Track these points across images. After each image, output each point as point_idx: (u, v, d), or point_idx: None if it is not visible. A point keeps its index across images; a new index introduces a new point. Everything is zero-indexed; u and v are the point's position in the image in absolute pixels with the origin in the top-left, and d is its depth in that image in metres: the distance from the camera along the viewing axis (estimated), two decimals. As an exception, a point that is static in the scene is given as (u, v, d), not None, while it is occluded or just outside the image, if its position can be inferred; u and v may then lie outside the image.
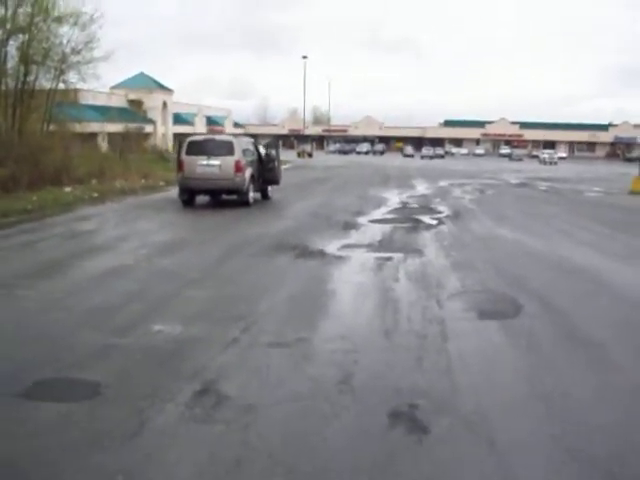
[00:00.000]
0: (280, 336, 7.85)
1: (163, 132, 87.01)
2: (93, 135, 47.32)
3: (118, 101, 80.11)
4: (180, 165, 22.67)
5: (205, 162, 22.15)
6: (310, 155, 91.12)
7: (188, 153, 22.61)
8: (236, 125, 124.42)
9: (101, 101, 65.89)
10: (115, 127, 53.77)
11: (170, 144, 72.38)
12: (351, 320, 8.70)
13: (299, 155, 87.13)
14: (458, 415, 5.63)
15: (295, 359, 7.09)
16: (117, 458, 4.89)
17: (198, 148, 22.74)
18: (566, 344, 7.80)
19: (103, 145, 49.39)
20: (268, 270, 11.98)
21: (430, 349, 7.42)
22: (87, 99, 50.95)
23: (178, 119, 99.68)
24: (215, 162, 22.08)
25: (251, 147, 24.39)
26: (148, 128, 75.28)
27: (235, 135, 25.95)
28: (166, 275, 11.39)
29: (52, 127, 32.90)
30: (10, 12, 28.96)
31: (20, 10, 29.36)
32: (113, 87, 73.90)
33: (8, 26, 28.96)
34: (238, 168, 22.02)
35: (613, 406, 5.99)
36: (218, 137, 26.09)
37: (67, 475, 4.65)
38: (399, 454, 4.97)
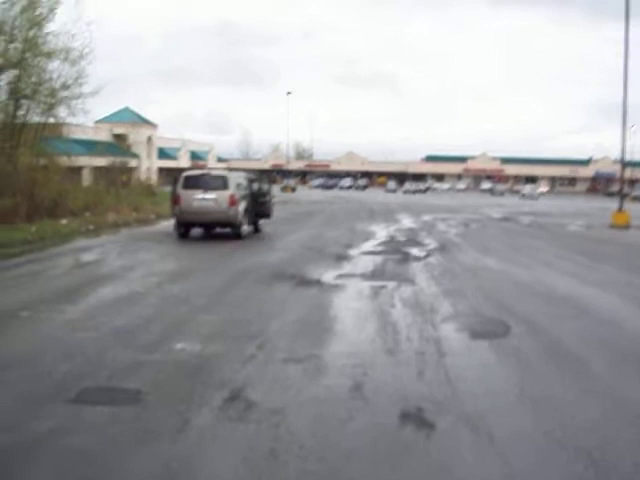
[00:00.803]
0: (293, 353, 8.68)
1: (148, 166, 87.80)
2: (78, 169, 47.93)
3: (103, 135, 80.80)
4: (177, 199, 23.48)
5: (201, 196, 23.01)
6: (293, 190, 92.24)
7: (185, 187, 23.46)
8: (219, 160, 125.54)
9: (87, 135, 66.66)
10: (100, 161, 54.57)
11: (155, 178, 73.02)
12: (355, 340, 9.53)
13: (283, 190, 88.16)
14: (459, 415, 6.47)
15: (309, 372, 7.91)
16: (167, 449, 5.68)
17: (194, 182, 23.63)
18: (550, 358, 8.67)
19: (88, 179, 50.10)
20: (271, 297, 12.81)
21: (429, 363, 8.26)
22: (73, 133, 51.70)
23: (162, 153, 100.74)
24: (211, 196, 22.95)
25: (244, 182, 25.29)
26: (133, 162, 75.85)
27: (229, 170, 26.75)
28: (177, 301, 12.18)
29: (41, 161, 33.48)
30: (1, 47, 29.76)
31: (11, 46, 30.14)
32: (98, 121, 74.50)
33: (0, 60, 29.76)
34: (232, 202, 22.90)
35: (592, 407, 6.87)
36: (213, 172, 26.98)
37: (127, 462, 5.42)
38: (411, 445, 5.81)
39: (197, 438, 5.91)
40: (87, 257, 18.66)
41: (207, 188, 23.21)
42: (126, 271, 15.86)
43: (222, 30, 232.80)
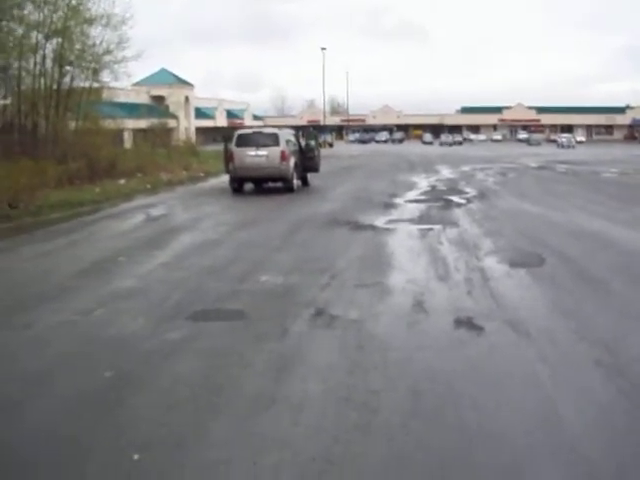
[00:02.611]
0: (361, 281, 10.36)
1: (186, 126, 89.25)
2: (121, 131, 49.50)
3: (141, 97, 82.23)
4: (230, 156, 25.18)
5: (254, 153, 24.70)
6: (331, 145, 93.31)
7: (237, 145, 25.18)
8: (255, 117, 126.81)
9: (127, 98, 68.21)
10: (140, 123, 56.22)
11: (193, 138, 74.29)
12: (411, 270, 11.18)
13: (320, 145, 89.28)
14: (503, 321, 8.11)
15: (377, 294, 9.57)
16: (277, 346, 7.37)
17: (246, 140, 25.35)
18: (578, 280, 10.30)
19: (129, 141, 51.76)
20: (332, 239, 14.47)
21: (476, 286, 9.89)
22: (112, 96, 53.19)
23: (199, 113, 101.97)
24: (263, 152, 24.63)
25: (293, 138, 26.96)
26: (171, 123, 77.27)
27: (279, 127, 28.34)
28: (250, 244, 13.91)
29: (88, 124, 34.97)
30: (46, 17, 31.19)
31: (55, 15, 31.56)
32: (135, 84, 75.84)
33: (45, 30, 31.16)
34: (284, 157, 24.56)
35: (610, 314, 8.53)
36: (265, 130, 28.60)
37: (248, 356, 7.11)
38: (466, 340, 7.46)
39: (298, 339, 7.61)
40: (155, 212, 20.39)
41: (259, 145, 24.89)
42: (196, 222, 17.61)
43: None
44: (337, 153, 66.68)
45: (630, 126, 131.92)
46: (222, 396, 6.00)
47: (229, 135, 26.93)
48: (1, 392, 6.32)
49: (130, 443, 5.12)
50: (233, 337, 7.79)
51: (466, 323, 8.03)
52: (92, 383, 6.38)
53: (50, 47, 31.76)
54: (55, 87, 32.05)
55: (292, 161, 25.21)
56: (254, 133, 26.94)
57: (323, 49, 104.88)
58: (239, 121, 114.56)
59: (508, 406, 5.69)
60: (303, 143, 27.79)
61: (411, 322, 8.17)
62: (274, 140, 25.02)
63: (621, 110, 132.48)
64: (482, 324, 7.97)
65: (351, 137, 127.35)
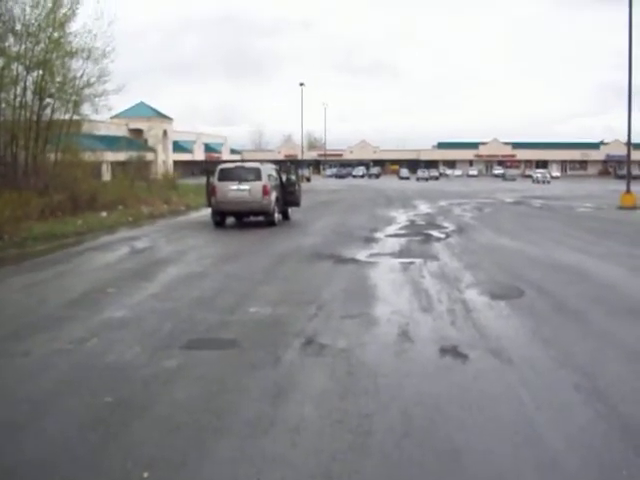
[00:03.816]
0: (347, 312, 10.69)
1: (164, 159, 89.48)
2: (98, 164, 49.63)
3: (120, 130, 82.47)
4: (212, 190, 25.51)
5: (236, 187, 25.05)
6: (309, 180, 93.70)
7: (220, 179, 25.52)
8: (233, 152, 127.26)
9: (105, 131, 68.38)
10: (118, 156, 56.44)
11: (171, 171, 74.41)
12: (396, 301, 11.53)
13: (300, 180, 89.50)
14: (486, 348, 8.48)
15: (363, 324, 9.91)
16: (270, 373, 7.67)
17: (229, 174, 25.72)
18: (556, 311, 10.74)
19: (107, 174, 51.95)
20: (316, 272, 14.81)
21: (459, 316, 10.26)
22: (92, 129, 53.33)
23: (177, 147, 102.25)
24: (245, 187, 25.00)
25: (274, 173, 27.34)
26: (149, 156, 77.42)
27: (261, 162, 28.74)
28: (236, 277, 14.20)
29: (67, 157, 35.07)
30: (28, 49, 31.31)
31: (36, 47, 31.67)
32: (114, 116, 76.09)
33: (26, 62, 31.33)
34: (265, 192, 24.93)
35: (588, 342, 8.93)
36: (247, 164, 28.95)
37: (243, 382, 7.40)
38: (451, 367, 7.81)
39: (290, 366, 7.92)
40: (139, 244, 20.64)
41: (241, 179, 25.25)
42: (180, 254, 17.89)
43: (223, 22, 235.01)
44: (315, 188, 67.15)
45: (604, 161, 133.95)
46: (222, 419, 6.29)
47: (211, 169, 27.29)
48: (5, 417, 6.55)
49: (137, 463, 5.39)
50: (228, 365, 8.08)
51: (451, 351, 8.38)
52: (94, 408, 6.64)
53: (31, 79, 32.00)
54: (35, 119, 32.17)
55: (274, 195, 25.58)
56: (236, 167, 27.34)
57: (301, 84, 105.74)
58: (217, 155, 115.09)
59: (493, 427, 6.03)
60: (284, 177, 28.15)
61: (398, 350, 8.51)
62: (256, 175, 25.39)
63: (595, 146, 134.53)
64: (466, 352, 8.32)
65: (328, 172, 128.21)
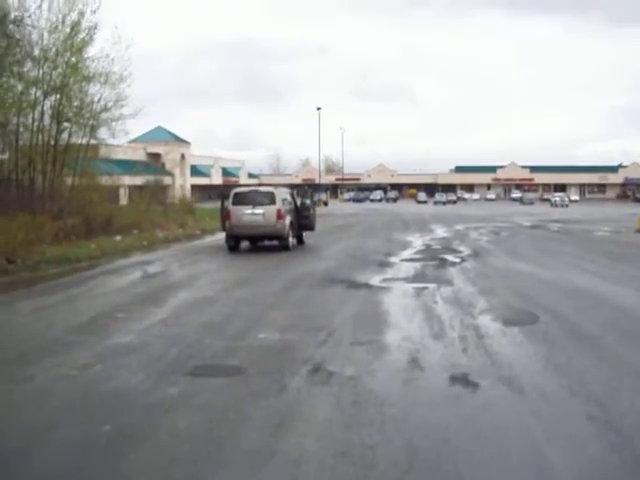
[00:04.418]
0: (357, 338, 10.50)
1: (181, 184, 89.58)
2: (115, 187, 49.72)
3: (137, 154, 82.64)
4: (227, 214, 25.41)
5: (250, 211, 24.95)
6: (326, 204, 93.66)
7: (234, 203, 25.41)
8: (250, 176, 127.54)
9: (122, 155, 68.58)
10: (136, 180, 56.53)
11: (189, 195, 74.51)
12: (407, 328, 11.33)
13: (315, 204, 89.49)
14: (497, 377, 8.26)
15: (373, 351, 9.72)
16: (275, 402, 7.49)
17: (243, 198, 25.62)
18: (570, 337, 10.48)
19: (124, 197, 52.03)
20: (328, 297, 14.63)
21: (470, 343, 10.04)
22: (109, 153, 53.48)
23: (194, 171, 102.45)
24: (259, 211, 24.89)
25: (289, 197, 27.24)
26: (167, 180, 77.55)
27: (275, 186, 28.69)
28: (247, 302, 14.04)
29: (84, 181, 35.15)
30: (45, 74, 31.33)
31: (54, 72, 31.70)
32: (132, 141, 76.23)
33: (44, 86, 31.45)
34: (280, 216, 24.81)
35: (603, 370, 8.68)
36: (261, 188, 28.91)
37: (246, 411, 7.22)
38: (461, 397, 7.60)
39: (296, 395, 7.73)
40: (152, 269, 20.56)
41: (255, 204, 25.15)
42: (193, 279, 17.77)
43: (240, 47, 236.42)
44: (332, 212, 67.12)
45: (623, 185, 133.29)
46: (222, 450, 6.11)
47: (226, 193, 27.22)
48: (5, 442, 6.42)
49: (132, 495, 5.22)
50: (232, 393, 7.92)
51: (461, 380, 8.17)
52: (92, 437, 6.48)
53: (48, 103, 32.03)
54: (53, 143, 32.25)
55: (288, 220, 25.46)
56: (250, 191, 27.29)
57: (318, 109, 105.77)
58: (234, 179, 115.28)
59: (503, 460, 5.83)
60: (299, 202, 28.05)
61: (407, 379, 8.31)
62: (270, 199, 25.30)
63: (614, 169, 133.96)
64: (477, 380, 8.11)
65: (346, 196, 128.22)
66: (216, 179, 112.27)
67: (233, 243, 25.68)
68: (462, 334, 10.67)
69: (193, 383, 8.30)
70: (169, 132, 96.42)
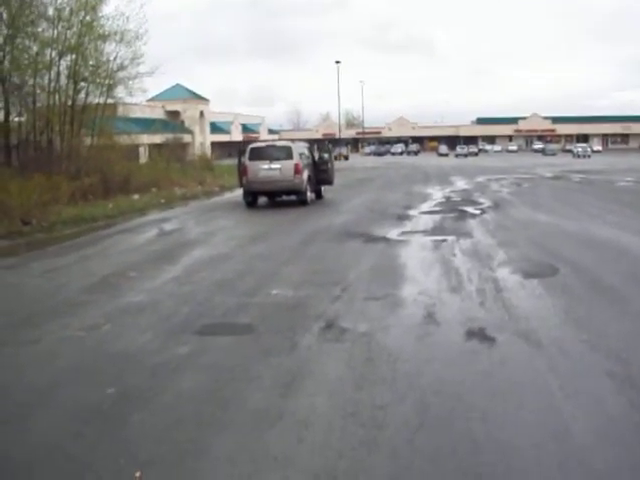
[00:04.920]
0: (372, 293, 10.24)
1: (201, 141, 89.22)
2: (136, 146, 49.59)
3: (156, 113, 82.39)
4: (244, 170, 25.15)
5: (267, 166, 24.66)
6: (347, 158, 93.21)
7: (251, 159, 25.14)
8: (270, 132, 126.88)
9: (142, 113, 68.39)
10: (155, 138, 56.29)
11: (209, 152, 74.29)
12: (424, 282, 11.06)
13: (336, 158, 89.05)
14: (514, 331, 7.99)
15: (388, 306, 9.47)
16: (285, 360, 7.27)
17: (260, 154, 25.34)
18: (591, 290, 10.18)
19: (144, 156, 51.85)
20: (344, 251, 14.38)
21: (489, 297, 9.76)
22: (127, 112, 53.20)
23: (214, 128, 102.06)
24: (276, 166, 24.59)
25: (306, 151, 26.91)
26: (186, 138, 77.32)
27: (292, 140, 28.35)
28: (262, 257, 13.83)
29: (103, 140, 35.03)
30: (60, 33, 31.27)
31: (69, 31, 31.62)
32: (151, 99, 75.98)
33: (59, 47, 31.26)
34: (297, 170, 24.50)
35: (624, 324, 8.39)
36: (278, 143, 28.61)
37: (255, 371, 7.01)
38: (477, 352, 7.34)
39: (307, 353, 7.51)
40: (168, 226, 20.38)
41: (272, 159, 24.87)
42: (208, 236, 17.57)
43: (256, 2, 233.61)
44: (352, 166, 66.72)
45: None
46: (227, 412, 5.91)
47: (243, 149, 26.92)
48: (6, 405, 6.26)
49: (132, 460, 5.03)
50: (241, 351, 7.70)
51: (477, 334, 7.92)
52: (94, 400, 6.29)
53: (64, 64, 31.84)
54: (70, 103, 32.08)
55: (305, 174, 25.15)
56: (267, 147, 27.00)
57: (337, 62, 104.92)
58: (255, 135, 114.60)
59: (517, 418, 5.58)
60: (317, 156, 27.71)
61: (421, 334, 8.06)
62: (287, 153, 25.00)
63: (637, 119, 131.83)
64: (494, 335, 7.85)
65: (367, 150, 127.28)
66: (236, 136, 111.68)
67: (251, 199, 25.45)
68: (480, 287, 10.39)
69: (202, 342, 8.09)
70: (187, 89, 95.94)
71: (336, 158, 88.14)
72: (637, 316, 8.69)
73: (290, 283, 11.16)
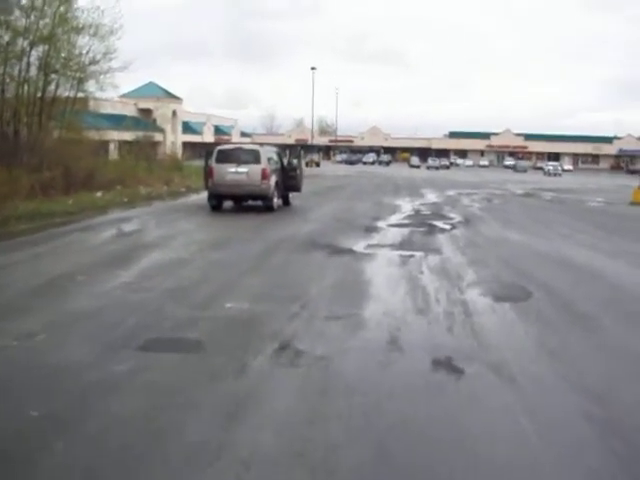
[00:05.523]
0: (333, 312, 9.57)
1: (172, 140, 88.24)
2: (106, 142, 48.76)
3: (128, 109, 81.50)
4: (210, 172, 24.35)
5: (234, 169, 23.89)
6: (318, 165, 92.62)
7: (218, 161, 24.36)
8: (243, 134, 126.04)
9: (113, 109, 67.45)
10: (126, 135, 55.41)
11: (180, 152, 73.52)
12: (389, 301, 10.42)
13: (307, 164, 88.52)
14: (485, 362, 7.36)
15: (350, 327, 8.80)
16: (230, 387, 6.59)
17: (227, 156, 24.56)
18: (566, 316, 9.65)
19: (115, 153, 51.00)
20: (308, 263, 13.71)
21: (457, 321, 9.14)
22: (101, 108, 52.28)
23: (186, 128, 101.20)
24: (243, 169, 23.83)
25: (275, 156, 26.18)
26: (158, 136, 76.49)
27: (261, 144, 27.64)
28: (221, 265, 13.15)
29: (71, 134, 34.19)
30: (33, 23, 30.30)
31: (42, 21, 30.69)
32: (123, 95, 75.02)
33: (30, 37, 30.43)
34: (264, 175, 23.76)
35: (603, 356, 7.81)
36: (246, 146, 27.87)
37: (197, 396, 6.32)
38: (443, 386, 6.69)
39: (256, 378, 6.82)
40: (128, 227, 19.59)
41: (240, 162, 24.10)
42: (168, 239, 16.81)
43: (233, 3, 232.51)
44: (323, 173, 66.09)
45: (616, 156, 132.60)
46: (160, 446, 5.22)
47: (209, 150, 26.17)
48: None
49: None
50: (184, 372, 7.00)
51: (444, 364, 7.28)
52: (14, 424, 5.58)
53: (35, 54, 31.02)
54: (39, 95, 31.25)
55: (273, 179, 24.40)
56: (235, 149, 26.25)
57: (313, 68, 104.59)
58: (227, 137, 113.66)
59: (490, 468, 4.93)
60: (285, 161, 27.01)
61: (384, 362, 7.40)
62: (255, 157, 24.25)
63: (608, 140, 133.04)
64: (462, 366, 7.21)
65: (338, 158, 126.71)
66: (208, 137, 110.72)
67: (216, 202, 24.66)
68: (448, 310, 9.77)
69: (144, 359, 7.38)
70: (161, 88, 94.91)
71: (307, 164, 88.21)
72: (615, 349, 8.12)
73: (247, 296, 10.48)
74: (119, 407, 5.98)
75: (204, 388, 6.49)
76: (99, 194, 28.53)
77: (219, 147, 26.05)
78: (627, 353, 7.97)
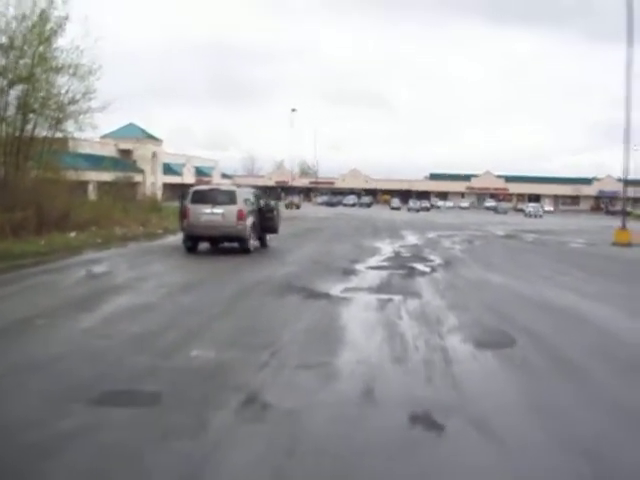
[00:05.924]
0: (304, 360, 8.99)
1: (152, 181, 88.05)
2: (84, 183, 48.19)
3: (107, 150, 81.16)
4: (185, 213, 23.80)
5: (209, 210, 23.36)
6: (298, 207, 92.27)
7: (193, 202, 23.81)
8: (224, 176, 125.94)
9: (93, 150, 66.98)
10: (106, 176, 54.87)
11: (159, 193, 73.11)
12: (364, 348, 9.84)
13: (287, 206, 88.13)
14: (466, 417, 6.78)
15: (321, 377, 8.22)
16: (189, 447, 5.97)
17: (203, 197, 24.02)
18: (552, 365, 9.09)
19: (94, 193, 50.41)
20: (282, 307, 13.13)
21: (437, 370, 8.58)
22: (80, 148, 51.77)
23: (167, 169, 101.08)
24: (219, 210, 23.30)
25: (252, 197, 25.67)
26: (137, 177, 76.14)
27: (237, 185, 27.17)
28: (190, 310, 12.52)
29: (49, 174, 33.61)
30: (12, 63, 29.75)
31: (21, 61, 30.34)
32: (103, 136, 74.70)
33: (9, 76, 30.01)
34: (240, 216, 23.23)
35: (594, 410, 7.23)
36: (222, 187, 27.38)
37: (150, 458, 5.72)
38: (420, 445, 6.11)
39: (216, 437, 6.21)
40: (99, 269, 18.95)
41: (215, 203, 23.57)
42: (138, 282, 16.20)
43: (214, 47, 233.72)
44: (304, 215, 65.63)
45: (596, 197, 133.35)
46: (98, 521, 4.59)
47: (185, 191, 25.65)
48: None
49: None
50: (137, 431, 6.37)
51: (423, 420, 6.70)
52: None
53: (14, 94, 30.56)
54: (17, 134, 30.75)
55: (249, 221, 23.86)
56: (210, 190, 25.75)
57: (293, 110, 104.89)
58: (208, 179, 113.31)
59: None
60: (262, 202, 26.49)
61: (356, 417, 6.80)
62: (231, 198, 23.73)
63: (588, 181, 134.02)
64: (441, 422, 6.64)
65: (319, 199, 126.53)
66: (188, 178, 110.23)
67: (191, 244, 24.08)
68: (427, 358, 9.22)
69: (94, 415, 6.75)
70: (141, 129, 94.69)
71: (287, 207, 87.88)
72: (605, 402, 7.57)
73: (215, 343, 9.88)
74: (55, 475, 5.35)
75: (158, 449, 5.88)
76: (73, 234, 27.92)
77: (195, 188, 25.59)
78: (618, 406, 7.41)
